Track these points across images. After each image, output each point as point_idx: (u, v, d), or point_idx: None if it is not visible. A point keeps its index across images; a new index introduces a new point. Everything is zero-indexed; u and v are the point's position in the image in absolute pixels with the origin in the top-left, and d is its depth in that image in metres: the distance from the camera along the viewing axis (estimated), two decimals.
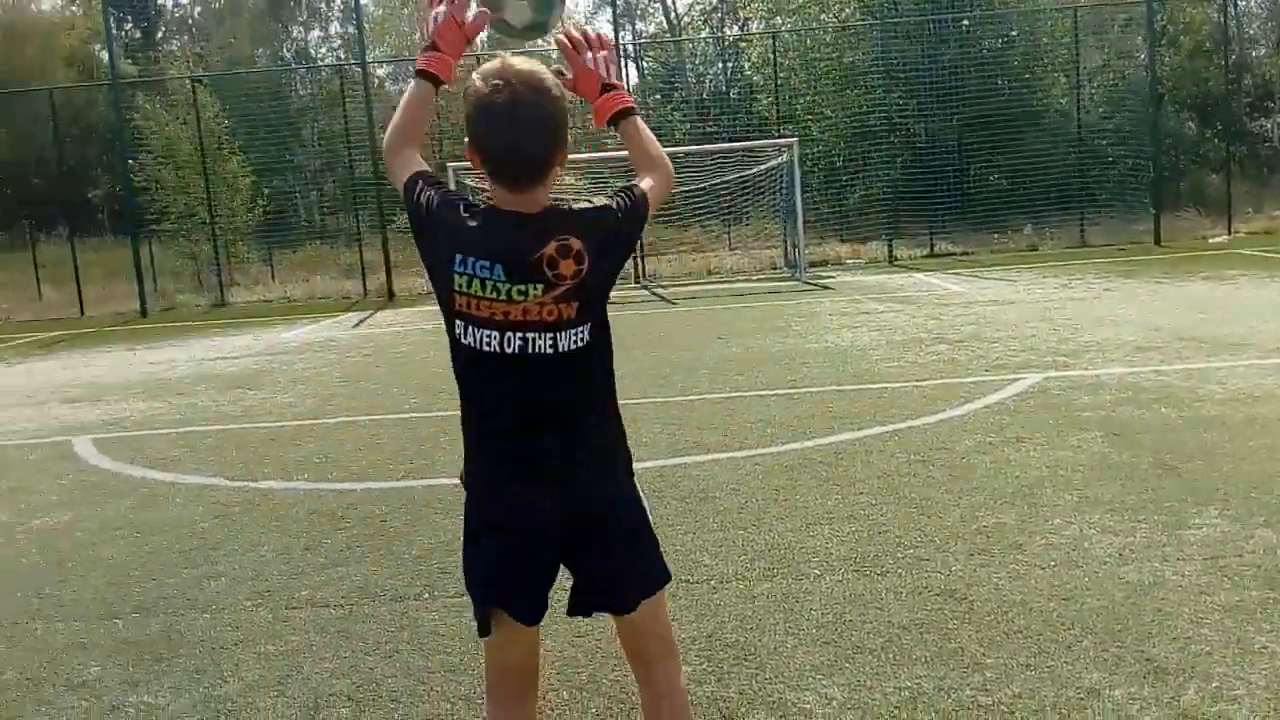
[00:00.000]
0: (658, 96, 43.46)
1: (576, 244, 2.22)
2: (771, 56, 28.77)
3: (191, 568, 5.00)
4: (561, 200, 2.43)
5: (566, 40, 2.43)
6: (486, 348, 2.23)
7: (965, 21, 27.63)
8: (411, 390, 9.64)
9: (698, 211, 24.98)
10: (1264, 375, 7.70)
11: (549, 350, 2.22)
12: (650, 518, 2.48)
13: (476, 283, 2.20)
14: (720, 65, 45.93)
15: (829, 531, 4.86)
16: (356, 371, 11.34)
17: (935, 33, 25.96)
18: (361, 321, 17.58)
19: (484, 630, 2.36)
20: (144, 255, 23.93)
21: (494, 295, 2.20)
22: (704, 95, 44.62)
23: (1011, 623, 3.74)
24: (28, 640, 4.24)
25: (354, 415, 8.71)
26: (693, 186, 22.52)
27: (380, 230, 23.34)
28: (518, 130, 2.19)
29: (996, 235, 23.10)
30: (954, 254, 22.18)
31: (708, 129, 33.75)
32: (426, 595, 4.45)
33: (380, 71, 42.92)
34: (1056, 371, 8.39)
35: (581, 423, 2.34)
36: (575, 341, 2.24)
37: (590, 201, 2.34)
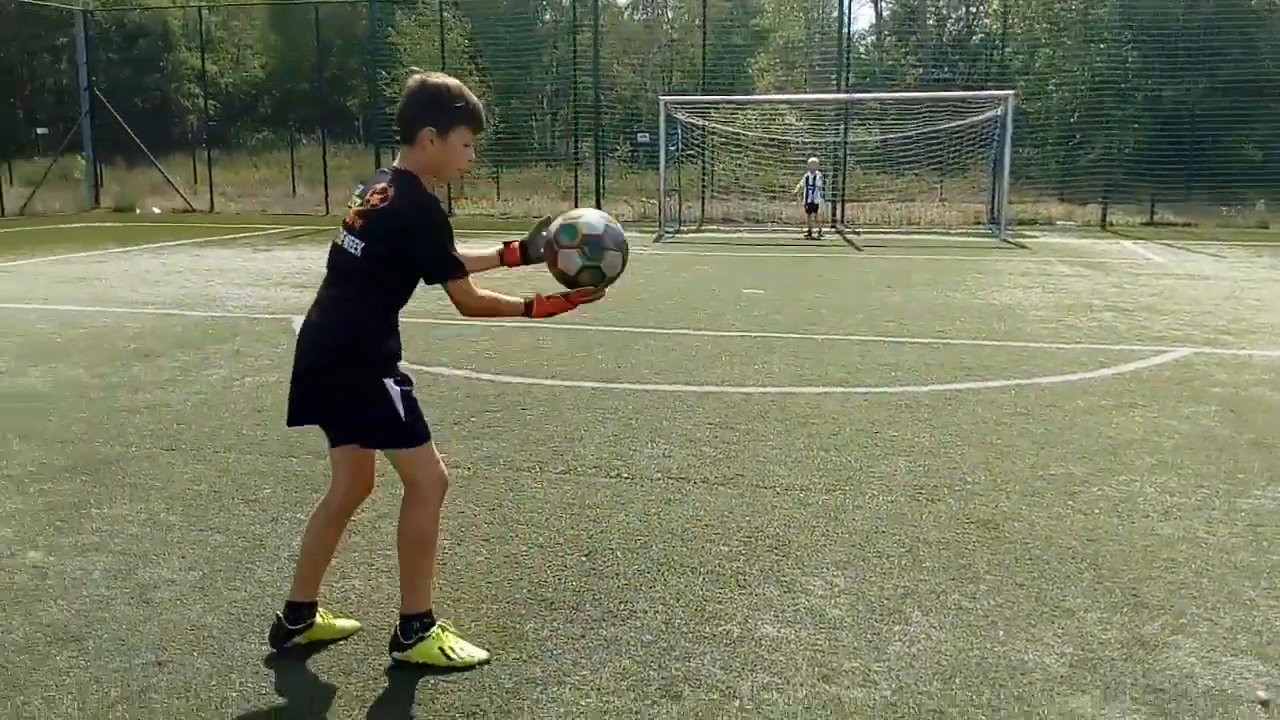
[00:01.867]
0: (894, 39, 42.56)
1: (392, 192, 3.10)
2: (1011, 4, 27.76)
3: None
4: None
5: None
6: (336, 240, 3.20)
7: None
8: (587, 306, 10.44)
9: (912, 160, 24.71)
10: None
11: (341, 243, 3.15)
12: (390, 404, 3.15)
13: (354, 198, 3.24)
14: (963, 10, 44.39)
15: (903, 463, 5.31)
16: (546, 285, 12.24)
17: None
18: None
19: None
20: (388, 163, 25.92)
21: (351, 206, 3.20)
22: (943, 39, 43.31)
23: (1027, 552, 4.15)
24: (221, 465, 5.29)
25: (530, 322, 9.60)
26: (903, 133, 22.35)
27: (596, 156, 24.33)
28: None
29: (1224, 209, 21.83)
30: (1174, 224, 21.18)
31: (941, 75, 32.98)
32: (537, 469, 5.21)
33: (619, 0, 43.88)
34: (1211, 348, 8.33)
35: (334, 308, 3.15)
36: (353, 248, 3.10)
37: (409, 202, 3.09)
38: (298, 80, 44.13)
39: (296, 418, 3.29)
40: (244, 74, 44.97)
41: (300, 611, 3.34)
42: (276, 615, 3.36)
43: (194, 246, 17.33)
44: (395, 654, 3.25)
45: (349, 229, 3.13)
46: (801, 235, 19.75)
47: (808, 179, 19.85)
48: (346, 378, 3.15)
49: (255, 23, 45.77)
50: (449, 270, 3.15)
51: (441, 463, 3.32)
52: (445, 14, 27.04)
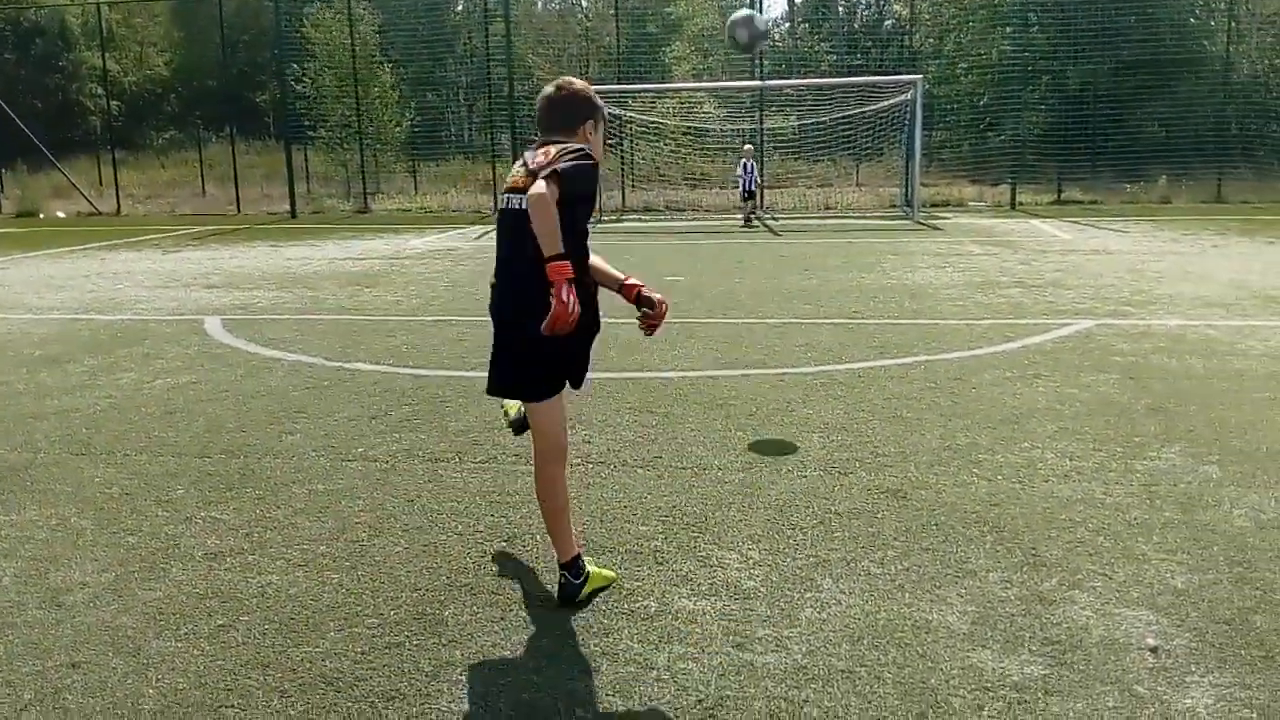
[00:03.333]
0: (806, 25, 43.00)
1: (553, 150, 3.38)
2: None
3: (275, 425, 5.92)
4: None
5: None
6: (504, 207, 3.54)
7: None
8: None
9: (827, 145, 25.04)
10: None
11: (511, 206, 3.46)
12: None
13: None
14: None
15: (817, 439, 5.44)
16: (464, 278, 12.25)
17: None
18: (485, 234, 18.57)
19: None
20: (300, 160, 25.50)
21: (515, 176, 3.50)
22: (854, 26, 43.89)
23: (933, 517, 4.29)
24: (133, 467, 5.22)
25: (448, 315, 9.59)
26: (817, 119, 22.66)
27: (514, 148, 24.25)
28: (541, 109, 3.57)
29: (1129, 186, 22.54)
30: (1081, 202, 21.81)
31: (854, 63, 33.44)
32: (456, 459, 5.23)
33: None
34: (1112, 320, 8.63)
35: (521, 266, 3.39)
36: (521, 204, 3.34)
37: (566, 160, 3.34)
38: (204, 77, 43.05)
39: (498, 385, 3.66)
40: (147, 72, 43.82)
41: (578, 563, 3.59)
42: (559, 581, 3.59)
43: (100, 250, 16.91)
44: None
45: (517, 190, 3.40)
46: (739, 223, 20.09)
47: (744, 166, 20.33)
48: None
49: (158, 19, 44.60)
50: (550, 175, 3.23)
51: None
52: (354, 6, 26.66)
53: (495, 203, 24.19)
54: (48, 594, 3.74)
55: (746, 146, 21.20)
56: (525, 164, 3.43)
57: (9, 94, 28.82)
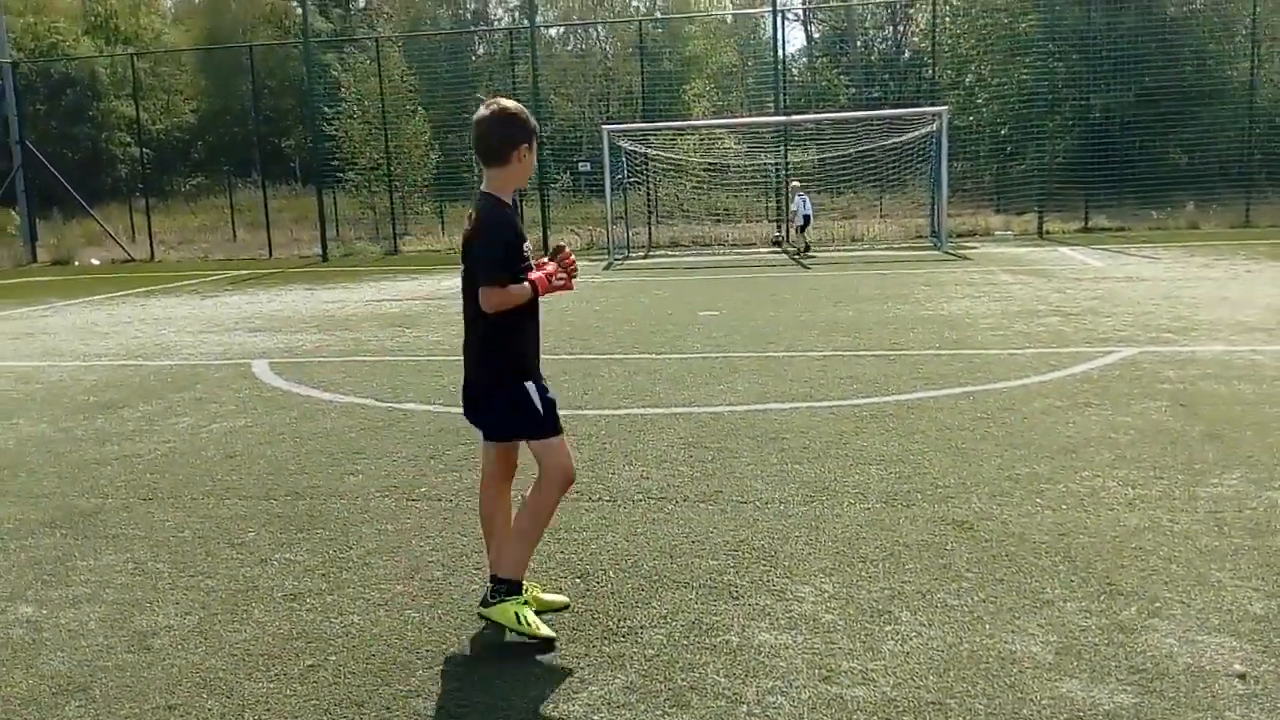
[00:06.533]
0: (825, 59, 43.30)
1: (475, 217, 3.66)
2: (938, 22, 28.36)
3: (336, 466, 5.99)
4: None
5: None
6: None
7: None
8: (543, 335, 10.54)
9: (850, 178, 25.15)
10: None
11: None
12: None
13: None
14: (890, 30, 45.35)
15: (874, 471, 5.46)
16: None
17: None
18: None
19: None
20: (328, 204, 25.82)
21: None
22: (873, 59, 44.18)
23: (1003, 548, 4.30)
24: (201, 510, 5.29)
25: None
26: (843, 152, 22.78)
27: (540, 186, 24.46)
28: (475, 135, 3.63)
29: (1155, 212, 22.53)
30: (1108, 229, 21.81)
31: (873, 95, 33.66)
32: (519, 498, 5.27)
33: (551, 33, 44.19)
34: (1155, 347, 8.63)
35: (470, 326, 3.86)
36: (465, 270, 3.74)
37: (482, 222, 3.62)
38: (230, 124, 43.76)
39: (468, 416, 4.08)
40: (174, 119, 44.54)
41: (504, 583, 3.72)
42: (486, 591, 3.77)
43: (139, 296, 17.16)
44: (480, 609, 3.78)
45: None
46: (797, 253, 20.62)
47: (802, 200, 20.80)
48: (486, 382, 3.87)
49: (184, 68, 45.40)
50: (487, 274, 3.56)
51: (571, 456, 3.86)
52: (381, 51, 27.06)
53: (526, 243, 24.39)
54: (135, 637, 3.81)
55: (794, 183, 21.94)
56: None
57: (41, 144, 29.32)
